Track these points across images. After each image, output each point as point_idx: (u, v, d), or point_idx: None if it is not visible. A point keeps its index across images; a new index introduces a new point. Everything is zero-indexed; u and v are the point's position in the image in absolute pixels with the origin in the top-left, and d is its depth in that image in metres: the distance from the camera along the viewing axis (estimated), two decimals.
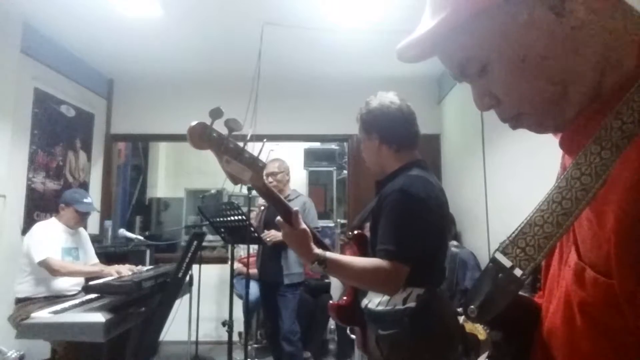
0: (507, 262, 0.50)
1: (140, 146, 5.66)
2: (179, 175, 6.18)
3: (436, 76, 4.32)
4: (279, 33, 3.21)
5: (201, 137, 0.90)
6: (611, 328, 0.44)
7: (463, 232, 3.70)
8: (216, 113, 0.88)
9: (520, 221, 0.51)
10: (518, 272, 0.49)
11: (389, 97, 1.47)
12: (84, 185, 3.97)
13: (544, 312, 0.56)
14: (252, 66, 3.42)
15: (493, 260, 0.52)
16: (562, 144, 0.55)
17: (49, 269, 2.67)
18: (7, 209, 3.00)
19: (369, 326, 1.43)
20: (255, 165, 0.99)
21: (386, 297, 1.34)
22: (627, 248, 0.40)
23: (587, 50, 0.48)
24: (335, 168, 5.39)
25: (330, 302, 1.63)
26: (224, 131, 0.94)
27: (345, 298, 1.55)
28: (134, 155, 5.53)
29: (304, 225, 1.18)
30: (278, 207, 1.15)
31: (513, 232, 0.51)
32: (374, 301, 1.38)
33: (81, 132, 3.95)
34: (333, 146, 5.34)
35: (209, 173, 5.59)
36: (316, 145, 5.36)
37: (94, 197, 3.96)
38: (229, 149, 0.95)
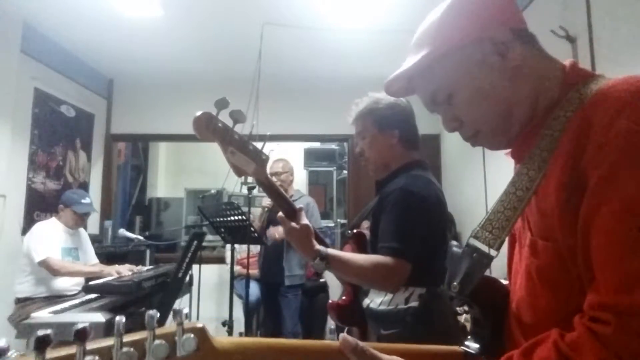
0: (478, 244, 0.65)
1: (140, 146, 5.66)
2: (179, 175, 6.18)
3: None
4: (279, 33, 3.21)
5: (207, 127, 0.89)
6: (559, 282, 0.58)
7: (463, 232, 3.70)
8: (222, 103, 0.87)
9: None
10: (488, 249, 0.64)
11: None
12: (84, 185, 3.97)
13: (512, 292, 0.70)
14: (252, 66, 3.42)
15: (468, 244, 0.67)
16: (512, 155, 0.72)
17: (49, 269, 2.67)
18: (7, 209, 3.00)
19: (370, 326, 1.42)
20: (258, 157, 0.99)
21: (388, 297, 1.34)
22: (565, 213, 0.56)
23: (524, 82, 0.66)
24: (335, 168, 5.39)
25: (330, 301, 1.61)
26: (228, 122, 0.94)
27: (344, 297, 1.54)
28: (134, 155, 5.52)
29: (306, 221, 1.17)
30: (280, 202, 1.15)
31: (481, 221, 0.66)
32: (375, 301, 1.37)
33: (81, 132, 3.95)
34: (333, 146, 5.33)
35: (209, 173, 5.59)
36: (316, 145, 5.35)
37: (93, 197, 3.95)
38: (234, 140, 0.94)
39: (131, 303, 2.18)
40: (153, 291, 2.26)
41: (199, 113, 0.89)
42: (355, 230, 1.55)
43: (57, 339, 0.40)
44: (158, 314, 0.47)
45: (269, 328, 3.61)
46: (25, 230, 3.04)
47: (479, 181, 3.32)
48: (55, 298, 2.72)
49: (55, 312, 2.03)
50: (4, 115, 2.99)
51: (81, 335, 0.42)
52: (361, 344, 0.54)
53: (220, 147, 0.94)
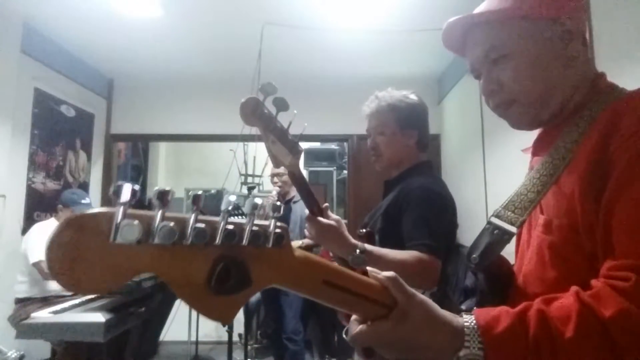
0: (500, 222, 0.71)
1: (140, 146, 5.65)
2: (179, 175, 6.18)
3: (436, 76, 4.32)
4: (279, 33, 3.21)
5: (254, 112, 0.87)
6: (571, 258, 0.64)
7: (463, 232, 3.70)
8: (269, 88, 0.86)
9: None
10: (509, 227, 0.70)
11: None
12: (84, 185, 3.97)
13: (517, 270, 0.76)
14: (252, 66, 3.42)
15: (490, 222, 0.73)
16: (534, 148, 0.79)
17: (40, 272, 2.66)
18: (7, 209, 3.00)
19: None
20: (295, 150, 0.99)
21: None
22: (588, 194, 0.61)
23: (572, 74, 0.72)
24: (335, 168, 5.38)
25: None
26: (270, 109, 0.92)
27: None
28: (134, 155, 5.52)
29: (336, 216, 1.14)
30: (309, 198, 1.12)
31: (504, 203, 0.73)
32: None
33: (81, 132, 3.95)
34: (333, 146, 5.33)
35: (209, 173, 5.59)
36: (316, 145, 5.35)
37: (93, 197, 3.95)
38: (276, 129, 0.93)
39: (131, 303, 2.18)
40: (153, 291, 2.26)
41: (245, 98, 0.87)
42: (365, 230, 1.53)
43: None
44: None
45: (270, 327, 3.61)
46: (25, 230, 3.04)
47: (479, 181, 3.32)
48: (55, 298, 2.72)
49: (55, 312, 2.03)
50: (4, 115, 2.99)
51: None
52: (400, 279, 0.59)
53: (262, 135, 0.92)
